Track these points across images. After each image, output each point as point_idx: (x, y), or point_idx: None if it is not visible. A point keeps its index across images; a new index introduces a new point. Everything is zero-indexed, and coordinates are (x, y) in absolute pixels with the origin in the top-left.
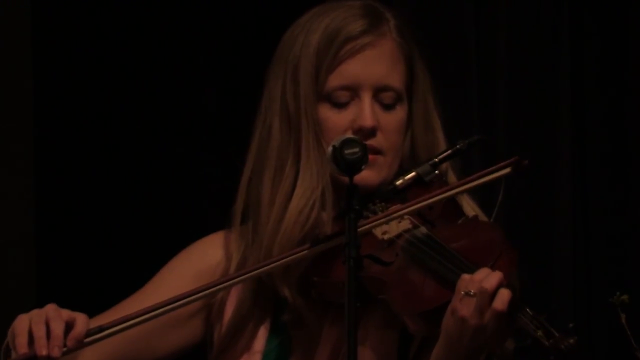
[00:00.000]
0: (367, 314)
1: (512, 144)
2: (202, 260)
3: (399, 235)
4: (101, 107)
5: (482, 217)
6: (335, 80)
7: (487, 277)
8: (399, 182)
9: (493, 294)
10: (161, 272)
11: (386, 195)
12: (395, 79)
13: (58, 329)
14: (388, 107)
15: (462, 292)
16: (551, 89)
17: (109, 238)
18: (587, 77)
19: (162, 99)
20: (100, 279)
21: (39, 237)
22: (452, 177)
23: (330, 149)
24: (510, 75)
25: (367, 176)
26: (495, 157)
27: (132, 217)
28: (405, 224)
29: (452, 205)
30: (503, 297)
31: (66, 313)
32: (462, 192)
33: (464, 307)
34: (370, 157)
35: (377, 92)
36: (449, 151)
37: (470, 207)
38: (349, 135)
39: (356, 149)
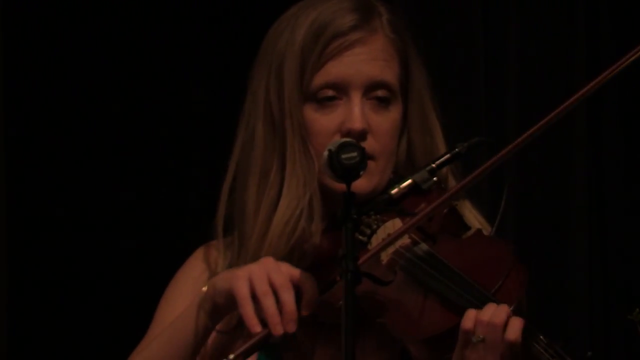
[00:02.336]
0: (363, 336)
1: (522, 146)
2: (191, 288)
3: (397, 252)
4: (80, 110)
5: (486, 227)
6: (321, 78)
7: (495, 313)
8: (394, 191)
9: (504, 327)
10: (155, 322)
11: (380, 205)
12: (389, 75)
13: (290, 300)
14: (380, 106)
15: (473, 340)
16: (565, 87)
17: (86, 244)
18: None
19: (142, 100)
20: (78, 285)
21: (11, 244)
22: (452, 184)
23: (325, 153)
24: (521, 71)
25: (357, 183)
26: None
27: (111, 224)
28: (404, 240)
29: (453, 217)
30: (515, 326)
31: (289, 273)
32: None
33: (473, 352)
34: None
35: (368, 90)
36: (448, 155)
37: (472, 217)
38: (344, 138)
39: (354, 154)
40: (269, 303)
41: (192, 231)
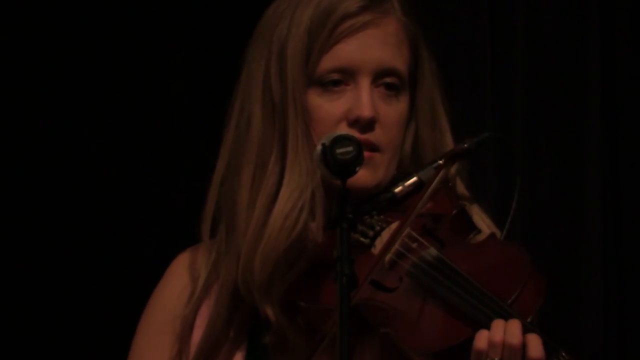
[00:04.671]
0: (363, 345)
1: (531, 143)
2: (170, 306)
3: (403, 257)
4: (61, 105)
5: (495, 232)
6: (329, 62)
7: (508, 332)
8: (398, 189)
9: (523, 346)
10: (136, 341)
11: (383, 204)
12: (399, 62)
13: None
14: (389, 95)
15: None
16: (577, 80)
17: (67, 244)
18: (619, 61)
19: (124, 86)
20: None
21: None
22: (460, 185)
23: (319, 147)
24: (530, 62)
25: (361, 176)
26: (510, 157)
27: (91, 221)
28: (412, 244)
29: (462, 219)
30: (536, 343)
31: None
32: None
33: None
34: (366, 154)
35: (378, 77)
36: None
37: (481, 220)
38: (343, 128)
39: (350, 148)
40: None
41: (178, 228)
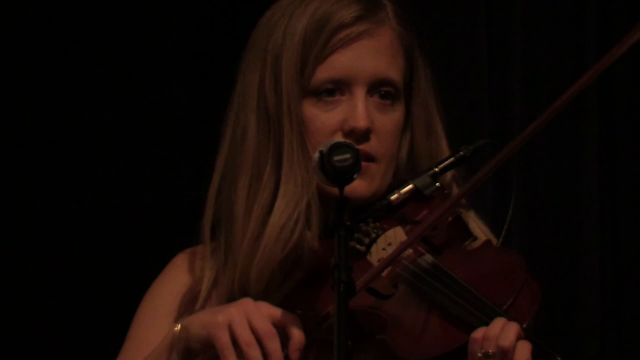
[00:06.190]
0: (359, 353)
1: (529, 147)
2: (172, 291)
3: (399, 264)
4: (60, 110)
5: (491, 239)
6: (324, 72)
7: (504, 333)
8: (394, 197)
9: (514, 350)
10: (135, 325)
11: (379, 212)
12: (395, 72)
13: (277, 349)
14: (384, 105)
15: (480, 355)
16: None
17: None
18: (616, 63)
19: (122, 94)
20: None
21: None
22: (455, 191)
23: (317, 155)
24: (527, 64)
25: (357, 186)
26: (507, 163)
27: (88, 225)
28: (407, 251)
29: (458, 226)
30: (524, 350)
31: (271, 314)
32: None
33: None
34: (362, 164)
35: (373, 87)
36: (452, 159)
37: (477, 227)
38: (339, 138)
39: (347, 155)
40: (254, 355)
41: (174, 237)
